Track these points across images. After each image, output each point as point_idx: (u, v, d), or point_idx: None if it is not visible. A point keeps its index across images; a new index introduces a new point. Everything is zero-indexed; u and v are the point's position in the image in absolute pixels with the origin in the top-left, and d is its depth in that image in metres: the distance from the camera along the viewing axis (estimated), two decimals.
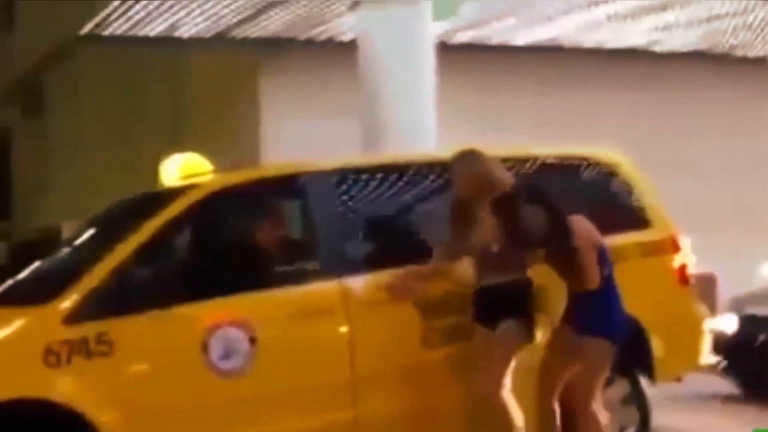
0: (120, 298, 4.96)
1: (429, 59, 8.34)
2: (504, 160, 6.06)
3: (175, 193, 5.44)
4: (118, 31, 11.08)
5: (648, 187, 6.52)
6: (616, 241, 6.08)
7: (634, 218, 6.37)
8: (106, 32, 11.09)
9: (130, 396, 4.90)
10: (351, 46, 8.77)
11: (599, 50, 12.96)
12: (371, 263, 5.59)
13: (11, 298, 5.49)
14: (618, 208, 6.38)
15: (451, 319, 5.56)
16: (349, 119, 8.50)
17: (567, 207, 5.49)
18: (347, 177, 5.70)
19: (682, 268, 6.36)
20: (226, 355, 5.10)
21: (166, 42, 11.61)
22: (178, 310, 5.04)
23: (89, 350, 4.84)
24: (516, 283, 5.37)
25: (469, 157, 5.54)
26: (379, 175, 5.80)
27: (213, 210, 5.43)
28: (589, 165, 6.38)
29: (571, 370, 5.36)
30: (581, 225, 5.35)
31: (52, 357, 4.79)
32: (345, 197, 5.65)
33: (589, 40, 12.66)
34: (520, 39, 12.32)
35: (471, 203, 5.45)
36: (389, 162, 5.90)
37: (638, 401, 6.09)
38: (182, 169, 5.86)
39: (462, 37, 11.88)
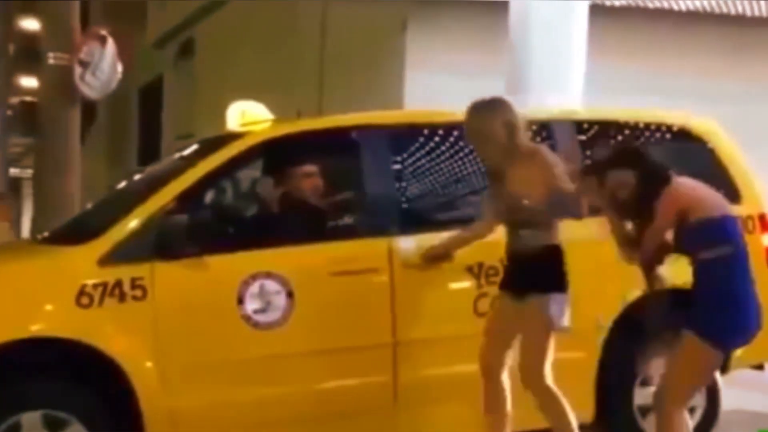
0: (158, 244, 4.88)
1: (581, 22, 7.99)
2: (580, 123, 5.82)
3: (223, 141, 5.35)
4: None
5: (742, 159, 6.05)
6: None
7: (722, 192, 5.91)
8: None
9: (160, 343, 4.86)
10: (502, 6, 8.53)
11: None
12: (424, 224, 5.39)
13: (59, 238, 5.56)
14: (704, 180, 5.94)
15: None
16: (495, 79, 8.28)
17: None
18: (405, 133, 5.49)
19: None
20: (262, 308, 5.01)
21: None
22: (215, 259, 4.96)
23: (123, 293, 4.82)
24: None
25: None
26: (442, 134, 5.56)
27: (258, 160, 5.33)
28: (674, 131, 5.95)
29: None
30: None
31: (85, 298, 4.78)
32: (401, 154, 5.44)
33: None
34: (682, 4, 11.73)
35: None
36: (452, 120, 5.62)
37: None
38: (243, 117, 5.75)
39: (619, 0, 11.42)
